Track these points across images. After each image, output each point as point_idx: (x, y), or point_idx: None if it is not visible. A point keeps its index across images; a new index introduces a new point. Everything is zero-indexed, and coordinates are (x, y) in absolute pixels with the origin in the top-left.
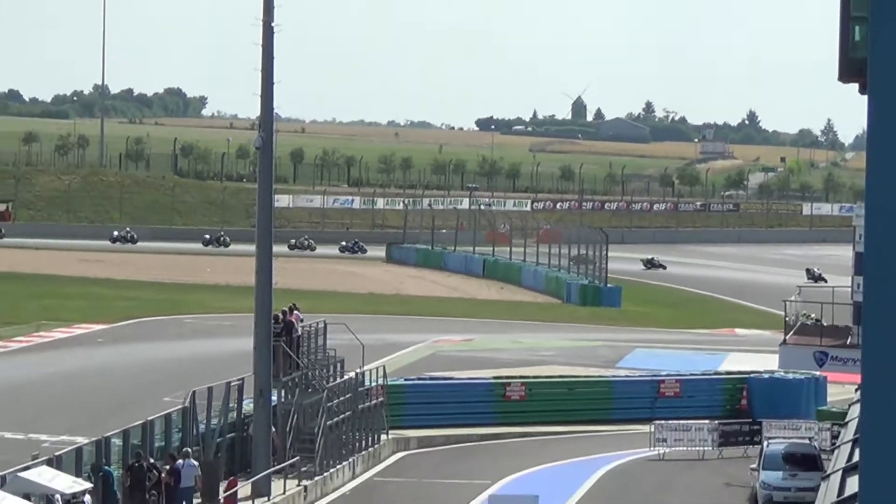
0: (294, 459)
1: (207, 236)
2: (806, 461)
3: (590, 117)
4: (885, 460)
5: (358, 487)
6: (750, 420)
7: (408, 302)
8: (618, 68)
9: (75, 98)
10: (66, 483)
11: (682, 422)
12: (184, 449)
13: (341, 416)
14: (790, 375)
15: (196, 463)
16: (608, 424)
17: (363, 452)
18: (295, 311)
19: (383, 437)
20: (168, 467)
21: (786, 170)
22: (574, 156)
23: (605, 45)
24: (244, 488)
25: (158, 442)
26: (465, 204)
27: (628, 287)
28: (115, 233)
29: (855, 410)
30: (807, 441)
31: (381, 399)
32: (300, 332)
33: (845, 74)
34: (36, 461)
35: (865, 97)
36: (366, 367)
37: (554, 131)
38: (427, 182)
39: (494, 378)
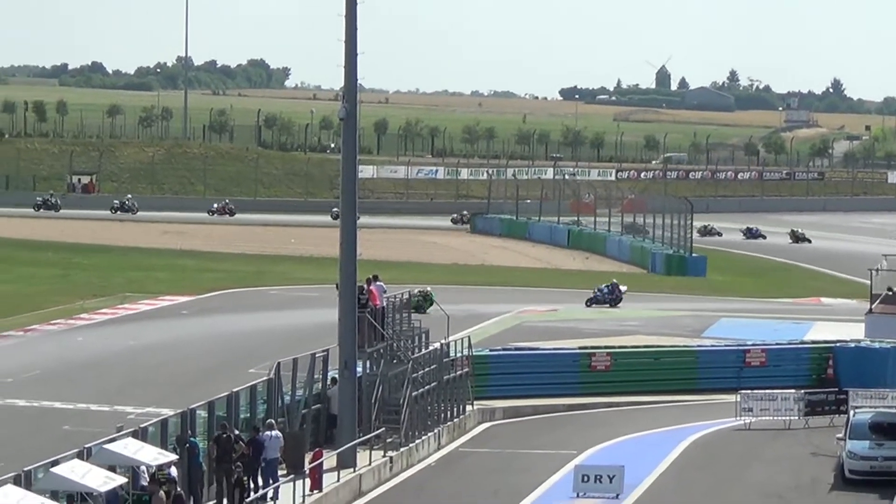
0: (379, 430)
1: (116, 202)
2: (892, 430)
3: (674, 86)
4: None
5: (443, 458)
6: (836, 389)
7: (492, 272)
8: (702, 37)
9: (158, 70)
10: (151, 455)
11: (767, 391)
12: (267, 420)
13: (426, 387)
14: (877, 344)
15: (280, 434)
16: (693, 394)
17: (448, 423)
18: (378, 282)
19: (468, 407)
20: (248, 438)
21: (871, 138)
22: (658, 125)
23: (690, 14)
24: (329, 460)
25: (244, 413)
26: (550, 174)
27: (714, 256)
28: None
29: None
30: (894, 410)
31: (466, 370)
32: (383, 304)
33: None
34: (120, 433)
35: None
36: (451, 338)
37: (638, 100)
38: (511, 152)
39: (580, 348)
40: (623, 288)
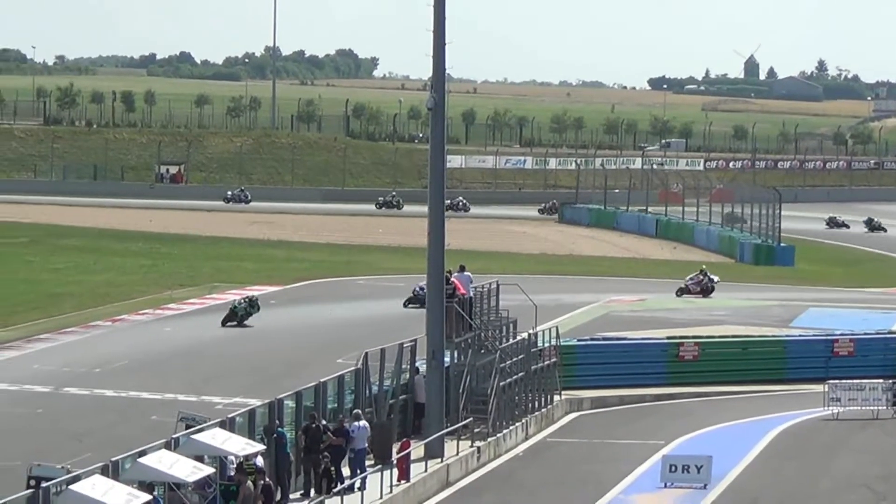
0: (467, 420)
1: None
2: None
3: (762, 76)
4: None
5: (531, 448)
6: None
7: (580, 262)
8: (790, 26)
9: (247, 60)
10: (238, 445)
11: (856, 381)
12: (354, 411)
13: (514, 377)
14: None
15: (367, 425)
16: (782, 384)
17: (536, 413)
18: (465, 272)
19: (556, 397)
20: (335, 428)
21: None
22: (747, 115)
23: (778, 3)
24: (417, 450)
25: (331, 404)
26: (638, 164)
27: (802, 246)
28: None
29: None
30: None
31: (554, 360)
32: (470, 294)
33: None
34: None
35: None
36: (539, 328)
37: (726, 90)
38: (599, 142)
39: (668, 338)
40: (715, 278)
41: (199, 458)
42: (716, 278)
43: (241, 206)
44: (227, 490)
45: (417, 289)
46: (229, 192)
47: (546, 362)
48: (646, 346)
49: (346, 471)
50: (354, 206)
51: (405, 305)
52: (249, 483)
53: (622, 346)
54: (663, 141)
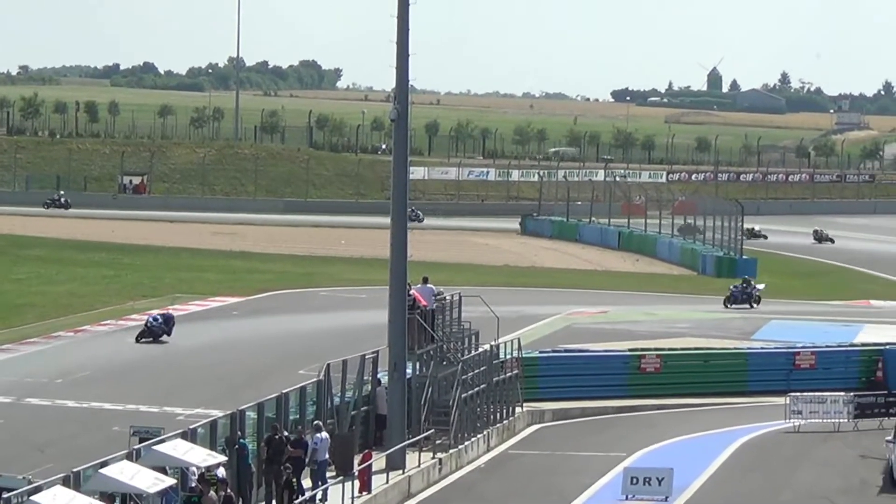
0: (429, 432)
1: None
2: None
3: (725, 88)
4: None
5: (492, 460)
6: (886, 392)
7: (543, 274)
8: (753, 39)
9: (210, 71)
10: (200, 456)
11: (817, 394)
12: (315, 422)
13: (476, 389)
14: None
15: (328, 436)
16: (743, 396)
17: (498, 425)
18: (428, 284)
19: (518, 409)
20: (294, 440)
21: None
22: (709, 127)
23: (741, 16)
24: (379, 461)
25: (293, 415)
26: (601, 176)
27: (764, 259)
28: (52, 197)
29: None
30: None
31: (515, 371)
32: (432, 306)
33: None
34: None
35: None
36: (501, 340)
37: (689, 102)
38: (562, 154)
39: (630, 350)
40: (760, 286)
41: (161, 469)
42: (760, 286)
43: (187, 214)
44: (190, 501)
45: (733, 288)
46: (53, 196)
47: (508, 374)
48: (608, 359)
49: (307, 482)
50: (317, 218)
51: (726, 305)
52: (212, 493)
53: (584, 358)
54: (552, 150)
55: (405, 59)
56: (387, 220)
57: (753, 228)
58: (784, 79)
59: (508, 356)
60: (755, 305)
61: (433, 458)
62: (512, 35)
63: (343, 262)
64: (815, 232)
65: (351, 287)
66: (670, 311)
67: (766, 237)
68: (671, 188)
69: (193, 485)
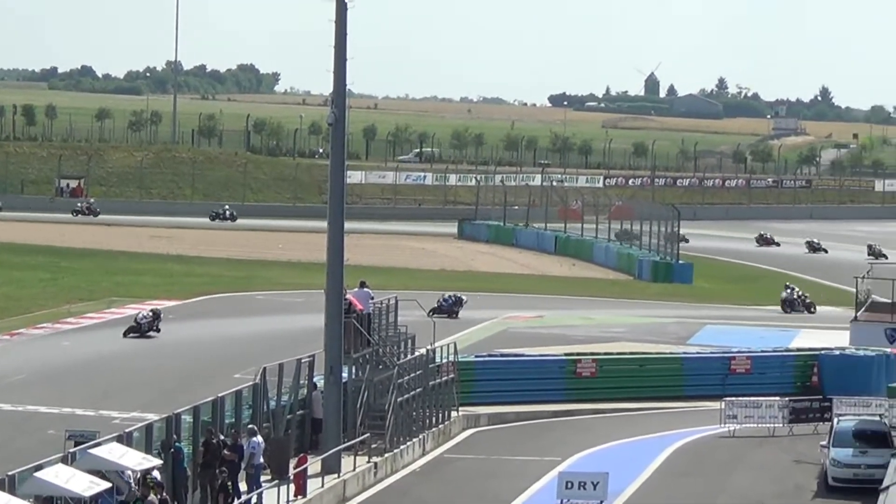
0: (364, 436)
1: (214, 211)
2: (876, 438)
3: (662, 93)
4: None
5: (428, 464)
6: (820, 397)
7: (479, 278)
8: (691, 44)
9: (148, 74)
10: (135, 460)
11: (752, 398)
12: (249, 426)
13: (412, 393)
14: (861, 352)
15: (261, 440)
16: (679, 401)
17: (433, 429)
18: (365, 288)
19: (453, 413)
20: (231, 444)
21: (858, 146)
22: (646, 132)
23: (679, 21)
24: (314, 465)
25: (229, 419)
26: (538, 180)
27: (700, 264)
28: (79, 204)
29: None
30: (877, 418)
31: (451, 376)
32: (369, 310)
33: None
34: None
35: None
36: (437, 344)
37: (626, 107)
38: (499, 158)
39: (565, 355)
40: (805, 296)
41: (96, 473)
42: (806, 296)
43: (135, 219)
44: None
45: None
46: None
47: (444, 378)
48: (543, 363)
49: (243, 486)
50: (255, 222)
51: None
52: (153, 497)
53: (520, 363)
54: (413, 153)
55: (343, 63)
56: (323, 224)
57: (764, 234)
58: (721, 84)
59: (444, 360)
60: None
61: (368, 462)
62: (450, 39)
63: (280, 266)
64: (761, 236)
65: (288, 291)
66: (606, 315)
67: (778, 244)
68: (608, 193)
69: (129, 489)
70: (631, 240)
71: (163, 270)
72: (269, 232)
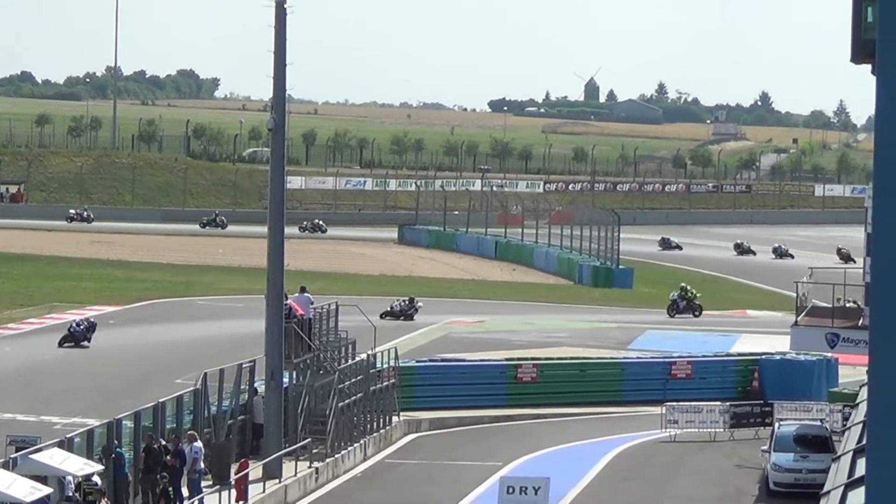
0: (305, 441)
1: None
2: (817, 443)
3: (602, 98)
4: (893, 442)
5: (369, 469)
6: (761, 402)
7: (420, 283)
8: (630, 49)
9: (88, 80)
10: (77, 465)
11: (693, 403)
12: (189, 432)
13: (352, 398)
14: (802, 357)
15: (201, 445)
16: (620, 406)
17: (374, 434)
18: (305, 293)
19: (394, 419)
20: (171, 449)
21: (798, 151)
22: (586, 137)
23: (618, 27)
24: (255, 470)
25: (170, 424)
26: (478, 185)
27: (641, 268)
28: (72, 211)
29: (865, 392)
30: (818, 423)
31: (392, 381)
32: (309, 315)
33: (858, 55)
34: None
35: None
36: (377, 349)
37: (566, 113)
38: (439, 163)
39: (506, 360)
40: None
41: (38, 479)
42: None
43: (84, 225)
44: None
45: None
46: (72, 211)
47: (385, 383)
48: (484, 368)
49: (185, 491)
50: (194, 227)
51: (670, 315)
52: (105, 501)
53: (461, 368)
54: (250, 150)
55: (282, 68)
56: (264, 230)
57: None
58: (661, 89)
59: (385, 365)
60: (698, 315)
61: (310, 467)
62: (389, 45)
63: (220, 272)
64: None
65: (228, 296)
66: (547, 320)
67: (680, 248)
68: (548, 198)
69: (70, 494)
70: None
71: (103, 276)
72: (209, 237)
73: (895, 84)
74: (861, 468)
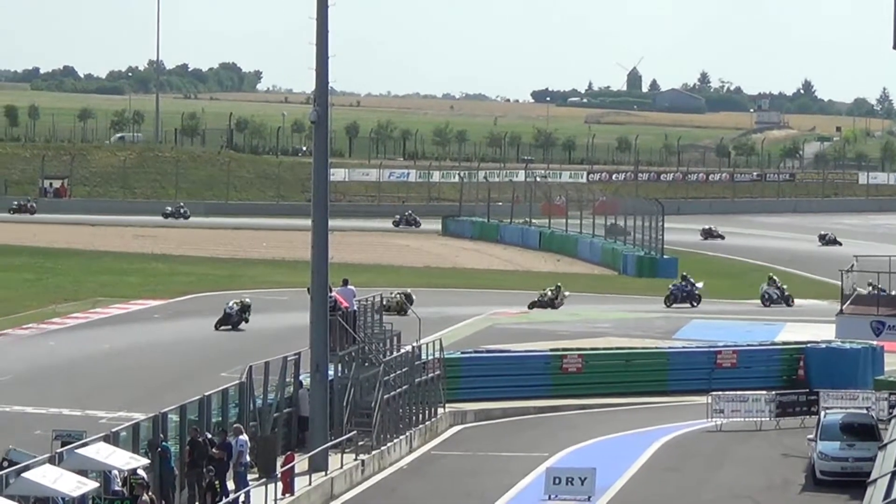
0: (351, 434)
1: (169, 209)
2: (863, 431)
3: (645, 88)
4: None
5: (415, 461)
6: (807, 390)
7: (464, 275)
8: (673, 39)
9: (130, 74)
10: (122, 459)
11: (739, 393)
12: (235, 425)
13: (398, 390)
14: (847, 345)
15: (247, 439)
16: (665, 396)
17: (420, 426)
18: (348, 285)
19: (440, 410)
20: (219, 442)
21: (841, 139)
22: (629, 127)
23: (661, 16)
24: (301, 463)
25: (215, 417)
26: (521, 176)
27: (685, 258)
28: (168, 209)
29: None
30: (864, 411)
31: (437, 372)
32: (353, 308)
33: None
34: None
35: None
36: (423, 341)
37: (609, 103)
38: (482, 155)
39: (551, 350)
40: (699, 284)
41: (83, 473)
42: (699, 285)
43: (182, 221)
44: None
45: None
46: (168, 208)
47: (430, 375)
48: (529, 359)
49: (231, 484)
50: (238, 220)
51: (667, 304)
52: (147, 497)
53: (506, 359)
54: (118, 135)
55: (325, 61)
56: (307, 222)
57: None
58: (704, 78)
59: (430, 357)
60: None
61: (355, 459)
62: (432, 36)
63: (264, 265)
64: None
65: (272, 289)
66: (592, 310)
67: (723, 237)
68: (591, 188)
69: (117, 488)
70: (623, 235)
71: (147, 270)
72: (253, 230)
73: None
74: None
